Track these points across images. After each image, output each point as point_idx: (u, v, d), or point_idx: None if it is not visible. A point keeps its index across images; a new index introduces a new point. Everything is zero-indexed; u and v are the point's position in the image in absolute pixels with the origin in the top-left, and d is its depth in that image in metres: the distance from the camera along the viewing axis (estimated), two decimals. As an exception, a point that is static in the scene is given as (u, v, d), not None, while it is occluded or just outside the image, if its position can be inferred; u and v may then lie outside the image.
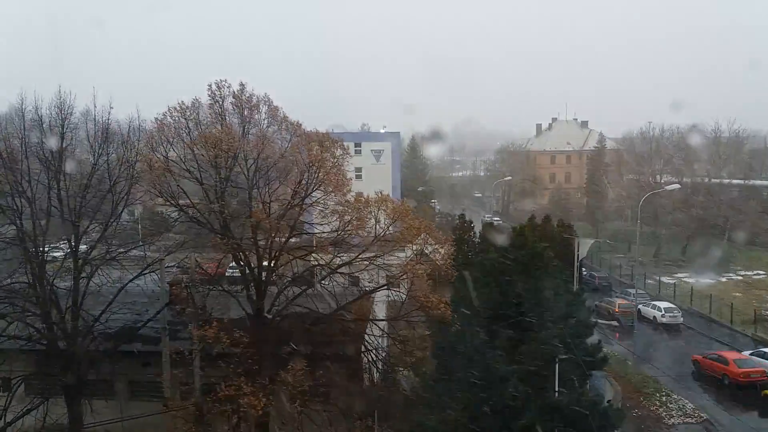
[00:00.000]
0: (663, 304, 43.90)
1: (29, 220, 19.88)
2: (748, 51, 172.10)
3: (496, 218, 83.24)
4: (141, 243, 22.36)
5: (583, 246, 29.51)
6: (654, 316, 42.91)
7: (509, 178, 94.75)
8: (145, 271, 21.11)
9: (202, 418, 18.62)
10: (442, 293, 19.92)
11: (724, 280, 55.64)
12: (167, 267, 21.54)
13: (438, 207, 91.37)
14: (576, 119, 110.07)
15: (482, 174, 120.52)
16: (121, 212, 21.69)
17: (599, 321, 36.23)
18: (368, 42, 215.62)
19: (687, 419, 28.05)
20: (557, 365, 18.22)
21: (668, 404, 29.33)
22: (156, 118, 20.43)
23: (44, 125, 19.86)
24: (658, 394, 30.38)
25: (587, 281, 45.78)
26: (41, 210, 20.04)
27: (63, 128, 19.92)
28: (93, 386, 21.28)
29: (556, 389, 18.08)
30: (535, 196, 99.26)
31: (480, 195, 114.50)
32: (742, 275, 56.94)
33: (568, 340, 18.35)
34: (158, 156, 20.10)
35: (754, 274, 56.92)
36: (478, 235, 41.43)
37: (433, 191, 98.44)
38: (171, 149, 20.60)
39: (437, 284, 21.76)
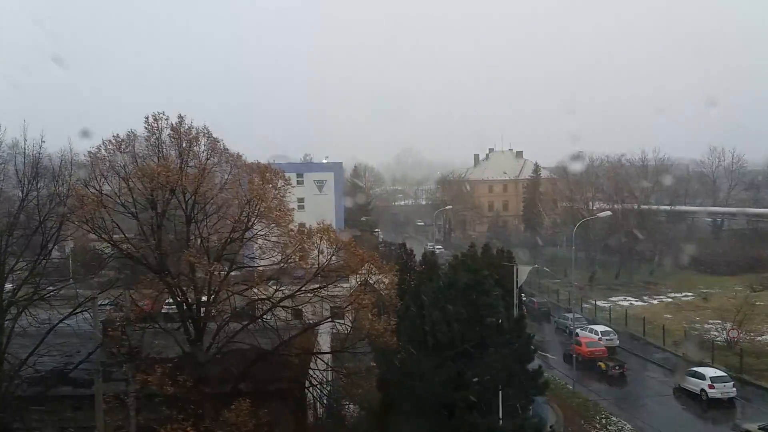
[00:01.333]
0: (600, 328, 45.32)
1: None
2: (666, 85, 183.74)
3: (438, 246, 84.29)
4: (72, 281, 21.36)
5: (522, 272, 30.25)
6: (590, 339, 44.15)
7: (450, 207, 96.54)
8: (76, 311, 20.11)
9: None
10: (387, 322, 19.90)
11: (655, 302, 58.16)
12: (101, 305, 20.62)
13: (381, 236, 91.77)
14: (511, 150, 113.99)
15: (424, 203, 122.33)
16: (51, 249, 20.69)
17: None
18: (310, 70, 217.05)
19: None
20: (501, 392, 18.52)
21: (608, 426, 30.11)
22: (90, 152, 19.81)
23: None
24: (597, 417, 31.17)
25: (527, 307, 46.77)
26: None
27: (-13, 162, 19.01)
28: (19, 436, 19.94)
29: (500, 416, 18.33)
30: (474, 224, 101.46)
31: (422, 224, 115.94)
32: (672, 297, 59.66)
33: (510, 366, 18.70)
34: (91, 191, 19.41)
35: (683, 296, 59.75)
36: (419, 263, 41.80)
37: (376, 221, 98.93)
38: (105, 183, 19.98)
39: (382, 313, 21.76)
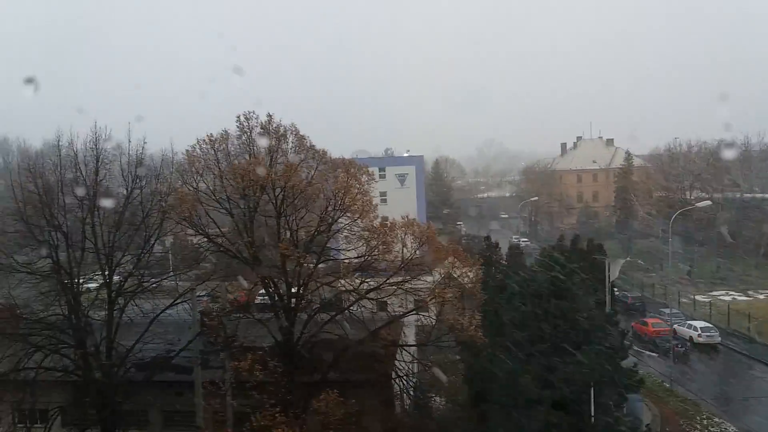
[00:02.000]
0: (699, 324, 42.73)
1: (64, 253, 20.41)
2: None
3: (523, 239, 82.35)
4: (172, 274, 22.70)
5: (614, 266, 28.97)
6: (690, 336, 41.78)
7: (535, 198, 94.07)
8: (177, 301, 21.41)
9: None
10: (472, 316, 19.73)
11: (762, 297, 54.03)
12: (198, 296, 21.82)
13: (464, 229, 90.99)
14: (601, 137, 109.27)
15: (507, 195, 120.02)
16: (153, 244, 22.10)
17: (634, 344, 35.47)
18: (388, 66, 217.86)
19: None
20: (592, 389, 17.88)
21: (710, 428, 28.40)
22: (186, 151, 20.90)
23: (79, 161, 20.46)
24: (698, 417, 29.45)
25: (620, 302, 44.88)
26: (76, 243, 20.55)
27: (97, 163, 20.50)
28: (128, 416, 21.48)
29: (592, 414, 17.72)
30: (562, 216, 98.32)
31: (506, 216, 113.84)
32: (780, 292, 55.22)
33: (602, 363, 18.01)
34: (188, 188, 20.51)
35: (793, 291, 55.12)
36: (505, 257, 41.07)
37: (458, 213, 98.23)
38: (201, 181, 21.03)
39: (466, 307, 21.60)
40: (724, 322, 44.98)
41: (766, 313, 46.12)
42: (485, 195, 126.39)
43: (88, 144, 20.56)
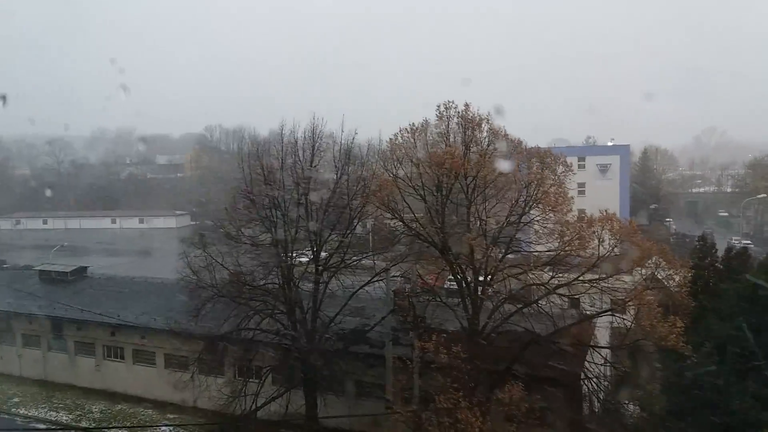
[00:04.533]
0: None
1: (281, 230, 23.09)
2: None
3: (746, 241, 72.30)
4: (371, 253, 24.38)
5: None
6: None
7: (763, 195, 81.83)
8: (373, 279, 23.01)
9: (420, 426, 19.43)
10: (675, 324, 18.08)
11: None
12: (392, 276, 23.16)
13: (674, 227, 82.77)
14: None
15: (729, 190, 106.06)
16: (356, 225, 23.95)
17: None
18: (593, 44, 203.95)
19: None
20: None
21: None
22: (390, 139, 22.17)
23: (298, 148, 22.91)
24: None
25: None
26: (292, 221, 23.11)
27: (312, 151, 22.79)
28: (326, 381, 23.68)
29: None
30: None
31: (726, 214, 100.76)
32: None
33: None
34: (389, 175, 21.76)
35: None
36: (722, 260, 36.61)
37: (667, 209, 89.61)
38: (400, 168, 22.18)
39: (670, 313, 19.84)
40: None
41: None
42: (701, 190, 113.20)
43: (306, 133, 23.00)
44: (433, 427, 18.65)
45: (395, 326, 22.57)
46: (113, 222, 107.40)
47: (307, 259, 24.09)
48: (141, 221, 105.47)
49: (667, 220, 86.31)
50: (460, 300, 21.44)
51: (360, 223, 25.14)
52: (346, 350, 22.85)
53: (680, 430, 16.62)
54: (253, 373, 24.78)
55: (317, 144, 23.05)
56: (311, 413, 23.65)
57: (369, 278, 23.16)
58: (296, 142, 23.15)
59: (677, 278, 19.50)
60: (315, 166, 23.07)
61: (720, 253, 37.54)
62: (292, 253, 23.28)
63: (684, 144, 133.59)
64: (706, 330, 18.68)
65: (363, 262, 24.09)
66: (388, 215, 23.05)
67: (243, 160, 23.00)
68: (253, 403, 21.84)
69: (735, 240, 70.62)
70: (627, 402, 20.19)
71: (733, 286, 20.25)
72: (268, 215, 23.05)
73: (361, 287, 23.04)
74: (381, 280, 22.92)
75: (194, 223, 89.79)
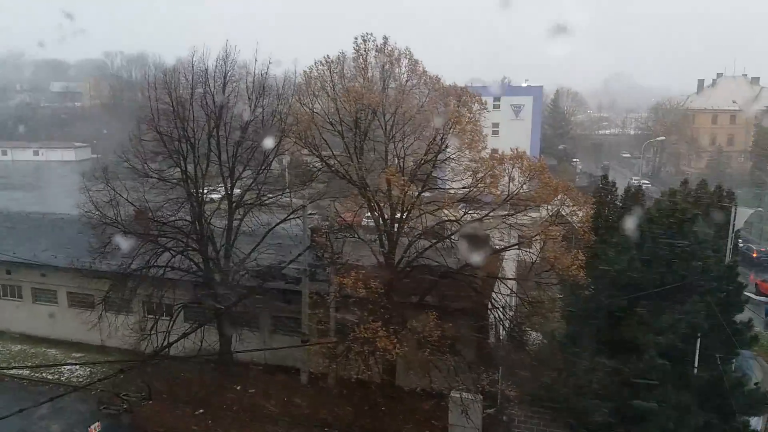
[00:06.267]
0: (836, 287, 38.92)
1: (192, 164, 22.14)
2: None
3: (644, 181, 77.48)
4: (287, 190, 23.98)
5: (741, 215, 26.53)
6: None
7: (662, 138, 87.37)
8: (290, 217, 22.75)
9: (336, 357, 19.95)
10: (577, 256, 19.28)
11: None
12: (310, 214, 23.00)
13: (580, 167, 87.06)
14: (745, 75, 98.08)
15: (632, 133, 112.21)
16: (272, 161, 23.35)
17: (753, 298, 33.09)
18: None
19: None
20: (699, 340, 17.14)
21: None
22: (304, 72, 21.46)
23: (209, 78, 21.68)
24: (818, 382, 27.38)
25: (744, 254, 41.62)
26: (203, 155, 22.17)
27: (225, 81, 21.64)
28: (241, 318, 23.60)
29: (696, 365, 17.06)
30: (690, 159, 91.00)
31: (628, 155, 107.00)
32: None
33: (714, 315, 17.08)
34: (305, 109, 21.17)
35: None
36: (621, 198, 39.07)
37: (575, 150, 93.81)
38: (317, 102, 21.60)
39: (573, 247, 21.07)
40: None
41: None
42: (607, 132, 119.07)
43: (218, 62, 21.75)
44: (351, 356, 19.16)
45: (312, 263, 22.64)
46: (4, 154, 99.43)
47: (220, 196, 23.39)
48: (36, 153, 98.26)
49: (574, 160, 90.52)
50: (377, 236, 21.73)
51: (276, 159, 24.56)
52: (262, 286, 22.74)
53: (576, 354, 17.96)
54: (164, 311, 24.26)
55: (230, 73, 21.92)
56: (225, 349, 23.64)
57: (285, 215, 22.88)
58: (207, 70, 21.91)
59: (580, 214, 20.63)
60: (227, 98, 22.04)
61: (621, 191, 40.01)
62: (203, 189, 22.48)
63: (595, 88, 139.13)
64: (603, 262, 19.99)
65: (280, 199, 23.68)
66: (306, 151, 22.62)
67: (149, 88, 21.56)
68: (164, 340, 21.46)
69: (635, 179, 75.47)
70: (530, 329, 21.55)
71: (630, 221, 21.65)
72: (176, 149, 21.97)
73: (277, 224, 22.77)
74: (298, 217, 22.72)
75: (96, 156, 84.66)
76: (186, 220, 22.55)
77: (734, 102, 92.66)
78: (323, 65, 21.13)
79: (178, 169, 22.23)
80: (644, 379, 16.60)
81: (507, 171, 19.96)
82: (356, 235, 22.02)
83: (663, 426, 16.42)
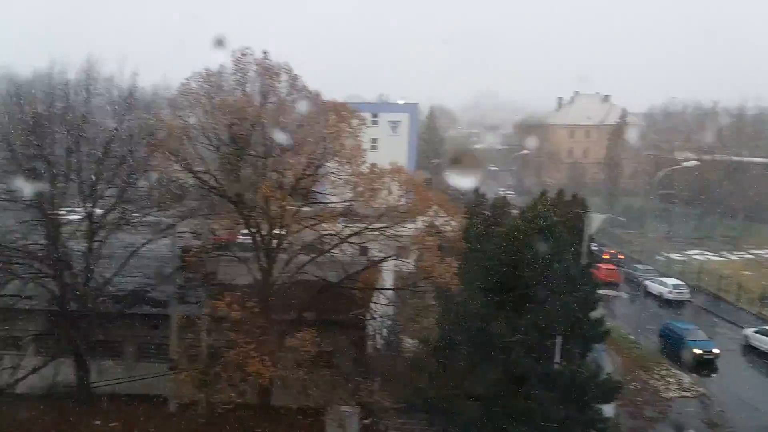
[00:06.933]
0: (670, 281, 43.94)
1: (46, 184, 20.39)
2: None
3: (509, 192, 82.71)
4: (156, 209, 22.77)
5: (594, 220, 29.33)
6: (660, 292, 43.05)
7: (526, 152, 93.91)
8: (157, 236, 21.58)
9: (207, 383, 19.09)
10: (450, 264, 20.19)
11: (735, 258, 55.26)
12: (181, 233, 22.00)
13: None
14: (598, 93, 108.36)
15: (499, 147, 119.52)
16: (138, 178, 22.10)
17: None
18: (388, 12, 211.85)
19: (684, 393, 28.39)
20: (560, 338, 18.55)
21: (667, 378, 29.62)
22: (181, 83, 20.64)
23: (69, 90, 20.18)
24: (657, 368, 30.65)
25: (597, 256, 45.75)
26: (60, 173, 20.52)
27: (87, 93, 20.23)
28: (102, 347, 21.91)
29: (557, 360, 18.43)
30: (550, 171, 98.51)
31: (495, 169, 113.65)
32: (753, 254, 56.35)
33: (572, 312, 18.59)
34: (179, 122, 20.34)
35: (766, 253, 56.19)
36: (489, 208, 41.44)
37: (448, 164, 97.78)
38: (192, 115, 20.82)
39: (447, 256, 22.01)
40: (695, 280, 46.17)
41: (735, 273, 47.39)
42: (477, 146, 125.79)
43: (80, 75, 20.33)
44: (221, 382, 18.47)
45: (182, 284, 21.66)
46: None
47: (80, 217, 21.73)
48: None
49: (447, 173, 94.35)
50: (254, 253, 21.27)
51: (144, 176, 23.29)
52: (125, 312, 21.29)
53: (450, 357, 18.71)
54: (12, 345, 21.90)
55: (93, 87, 20.56)
56: (82, 382, 21.75)
57: (153, 235, 21.68)
58: (67, 83, 20.41)
59: (453, 224, 21.68)
60: (90, 112, 20.62)
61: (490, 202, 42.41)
62: (58, 210, 20.75)
63: (466, 104, 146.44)
64: (474, 269, 21.08)
65: (148, 219, 22.38)
66: (178, 167, 21.67)
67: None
68: (11, 377, 19.38)
69: (501, 190, 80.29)
70: (407, 337, 22.17)
71: (497, 229, 23.03)
72: (30, 167, 20.17)
73: (142, 245, 21.43)
74: (167, 236, 21.64)
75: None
76: (39, 244, 20.65)
77: (588, 118, 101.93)
78: (201, 77, 20.49)
79: (32, 189, 20.38)
80: (512, 377, 17.66)
81: (386, 184, 20.48)
82: (232, 254, 21.44)
83: (530, 421, 17.52)
